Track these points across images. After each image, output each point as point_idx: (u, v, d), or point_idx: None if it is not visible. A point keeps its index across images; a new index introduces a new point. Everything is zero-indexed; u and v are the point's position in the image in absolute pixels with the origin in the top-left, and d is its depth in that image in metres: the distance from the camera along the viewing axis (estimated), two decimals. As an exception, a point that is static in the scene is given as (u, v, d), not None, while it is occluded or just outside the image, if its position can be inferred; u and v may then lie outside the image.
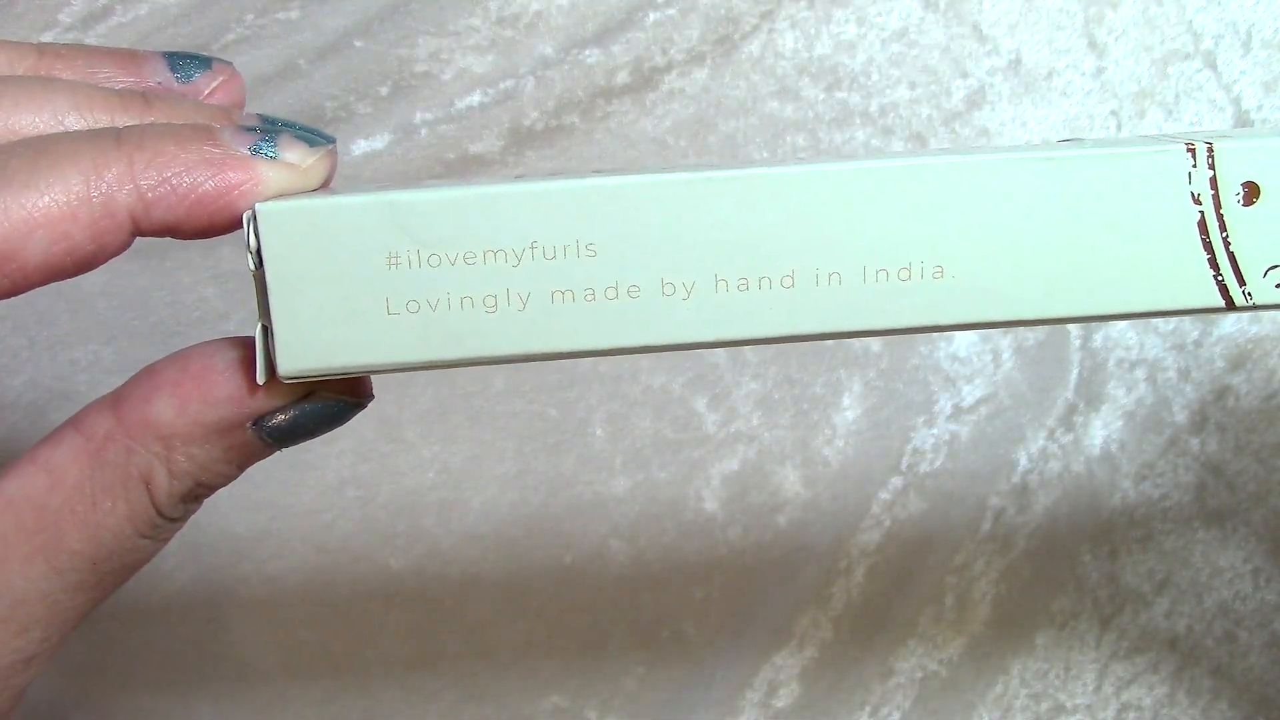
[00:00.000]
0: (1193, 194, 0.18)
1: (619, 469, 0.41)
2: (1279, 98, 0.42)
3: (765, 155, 0.42)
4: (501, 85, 0.41)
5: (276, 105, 0.41)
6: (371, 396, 0.21)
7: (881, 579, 0.41)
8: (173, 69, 0.20)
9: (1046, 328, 0.42)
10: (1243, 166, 0.18)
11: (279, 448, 0.20)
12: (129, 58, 0.20)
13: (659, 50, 0.41)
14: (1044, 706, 0.41)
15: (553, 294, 0.18)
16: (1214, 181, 0.18)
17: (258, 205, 0.18)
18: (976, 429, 0.42)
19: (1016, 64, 0.42)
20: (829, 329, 0.19)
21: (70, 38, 0.41)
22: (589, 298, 0.18)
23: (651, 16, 0.41)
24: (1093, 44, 0.42)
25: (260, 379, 0.18)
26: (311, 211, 0.18)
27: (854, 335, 0.19)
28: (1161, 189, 0.18)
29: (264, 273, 0.18)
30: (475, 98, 0.41)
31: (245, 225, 0.18)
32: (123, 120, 0.19)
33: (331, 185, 0.20)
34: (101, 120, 0.18)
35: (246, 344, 0.19)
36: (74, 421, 0.19)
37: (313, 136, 0.19)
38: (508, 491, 0.41)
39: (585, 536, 0.41)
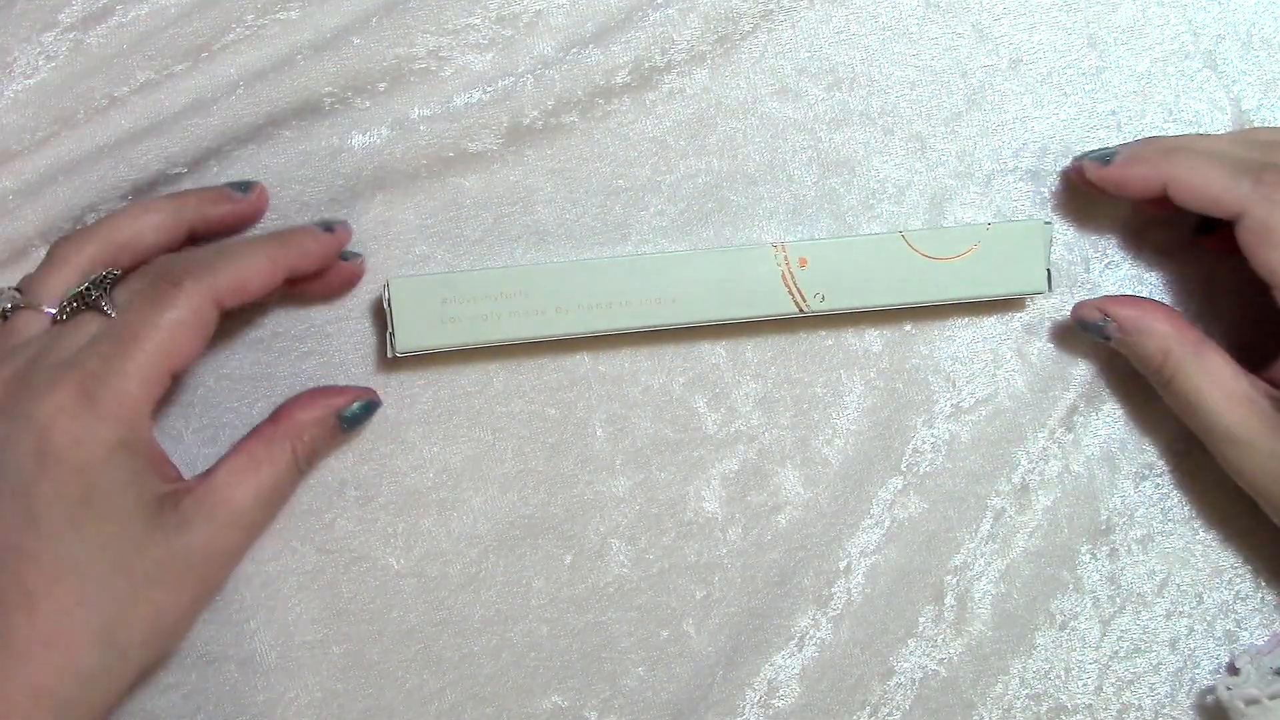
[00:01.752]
0: (778, 261, 0.39)
1: (619, 469, 0.41)
2: (1279, 97, 0.42)
3: (765, 156, 0.42)
4: (500, 84, 0.41)
5: (274, 100, 0.41)
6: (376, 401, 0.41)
7: (881, 579, 0.41)
8: (325, 228, 0.39)
9: (1049, 330, 0.42)
10: (798, 251, 0.39)
11: (348, 432, 0.40)
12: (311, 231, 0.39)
13: (659, 50, 0.41)
14: (1044, 707, 0.41)
15: (524, 310, 0.38)
16: (788, 258, 0.39)
17: (390, 279, 0.38)
18: (976, 429, 0.42)
19: (1016, 64, 0.42)
20: (658, 325, 0.39)
21: (70, 38, 0.41)
22: (541, 313, 0.38)
23: (651, 16, 0.41)
24: (1093, 43, 0.42)
25: (390, 355, 0.38)
26: (412, 280, 0.38)
27: (661, 329, 0.40)
28: (767, 260, 0.39)
29: (391, 308, 0.38)
30: (474, 95, 0.41)
31: (384, 289, 0.38)
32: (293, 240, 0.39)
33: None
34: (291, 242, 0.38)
35: (332, 391, 0.40)
36: (254, 432, 0.38)
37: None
38: (508, 491, 0.41)
39: (585, 536, 0.41)
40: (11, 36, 0.41)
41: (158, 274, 0.35)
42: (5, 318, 0.36)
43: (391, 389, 0.41)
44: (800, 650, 0.41)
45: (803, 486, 0.42)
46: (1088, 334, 0.40)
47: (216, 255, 0.35)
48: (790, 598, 0.41)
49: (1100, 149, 0.40)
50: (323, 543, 0.41)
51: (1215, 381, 0.37)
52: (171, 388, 0.35)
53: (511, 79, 0.41)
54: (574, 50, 0.41)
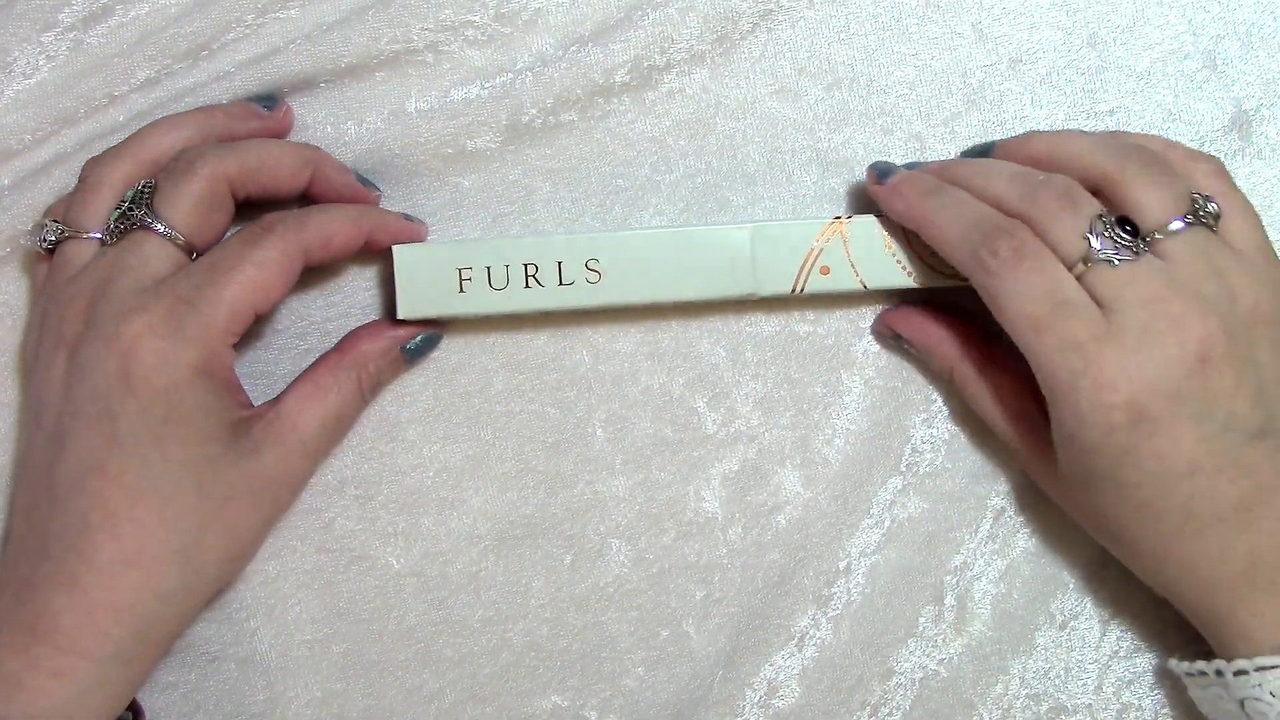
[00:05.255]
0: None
1: (619, 469, 0.41)
2: (1279, 97, 0.42)
3: (765, 156, 0.42)
4: (498, 80, 0.41)
5: (266, 86, 0.40)
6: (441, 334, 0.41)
7: (881, 579, 0.41)
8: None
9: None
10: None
11: (410, 363, 0.41)
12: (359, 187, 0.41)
13: (658, 49, 0.41)
14: (1044, 707, 0.41)
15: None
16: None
17: (394, 247, 0.39)
18: (977, 428, 0.42)
19: (1016, 63, 0.42)
20: (673, 299, 0.39)
21: (70, 38, 0.41)
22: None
23: (651, 15, 0.41)
24: (1093, 43, 0.42)
25: (399, 317, 0.39)
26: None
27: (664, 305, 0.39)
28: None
29: (395, 276, 0.39)
30: (472, 90, 0.41)
31: (393, 254, 0.39)
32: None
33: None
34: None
35: (396, 323, 0.40)
36: (321, 360, 0.39)
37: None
38: (508, 491, 0.41)
39: (585, 536, 0.41)
40: (11, 36, 0.41)
41: (253, 222, 0.37)
42: (50, 250, 0.37)
43: (391, 388, 0.41)
44: (800, 650, 0.41)
45: (803, 486, 0.42)
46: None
47: (307, 211, 0.38)
48: (790, 598, 0.41)
49: (887, 163, 0.40)
50: (323, 542, 0.41)
51: (996, 399, 0.39)
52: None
53: (510, 76, 0.41)
54: (573, 49, 0.41)
